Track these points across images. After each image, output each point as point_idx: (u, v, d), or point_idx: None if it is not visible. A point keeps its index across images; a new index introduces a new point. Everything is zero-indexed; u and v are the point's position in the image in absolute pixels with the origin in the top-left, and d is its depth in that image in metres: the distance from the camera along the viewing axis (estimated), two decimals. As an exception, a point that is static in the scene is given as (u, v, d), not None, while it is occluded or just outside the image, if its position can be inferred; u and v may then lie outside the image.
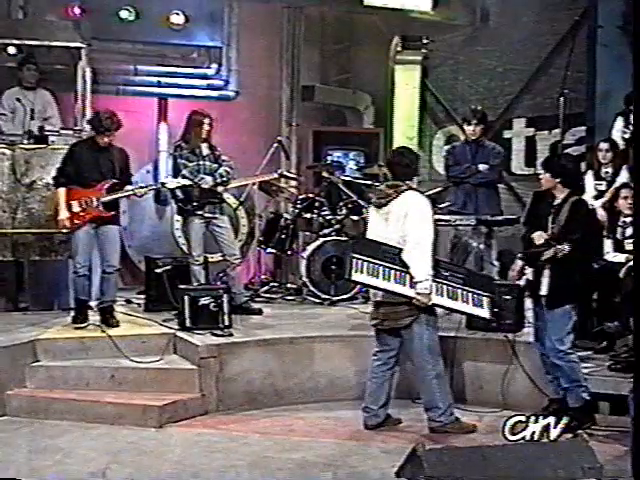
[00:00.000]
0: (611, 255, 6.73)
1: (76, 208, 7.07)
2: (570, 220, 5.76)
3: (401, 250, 5.75)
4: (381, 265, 5.81)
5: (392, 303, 5.82)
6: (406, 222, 5.74)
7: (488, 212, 7.70)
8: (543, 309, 5.89)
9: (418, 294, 5.69)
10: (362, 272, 5.83)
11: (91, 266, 7.27)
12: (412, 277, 5.70)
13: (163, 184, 7.59)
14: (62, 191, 7.12)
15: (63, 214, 7.08)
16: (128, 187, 7.29)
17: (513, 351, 6.40)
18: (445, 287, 5.83)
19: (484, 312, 5.94)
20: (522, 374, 6.37)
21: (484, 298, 5.93)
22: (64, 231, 7.16)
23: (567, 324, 5.82)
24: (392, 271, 5.79)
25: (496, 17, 10.28)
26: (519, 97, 9.98)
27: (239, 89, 10.31)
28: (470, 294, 5.89)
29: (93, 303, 7.67)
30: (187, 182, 7.54)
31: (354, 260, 5.84)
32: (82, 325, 7.12)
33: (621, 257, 6.59)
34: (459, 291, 5.87)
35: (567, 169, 5.97)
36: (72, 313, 7.25)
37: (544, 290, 5.84)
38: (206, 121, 7.72)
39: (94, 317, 7.37)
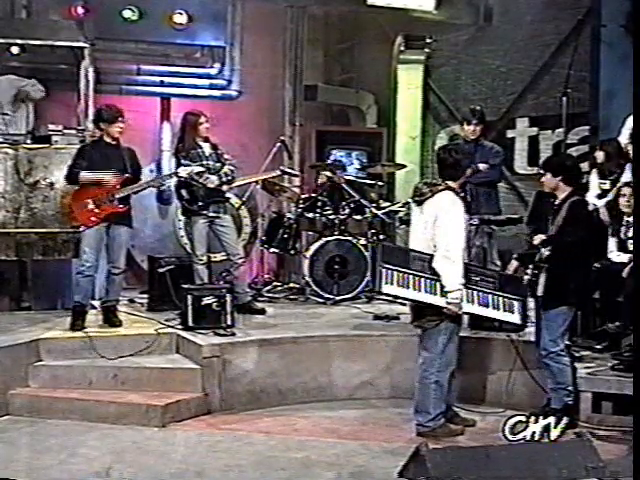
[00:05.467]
0: (615, 254, 6.73)
1: (91, 205, 7.07)
2: (567, 221, 5.74)
3: (431, 257, 5.64)
4: (411, 274, 5.68)
5: (417, 306, 5.81)
6: (435, 226, 5.63)
7: (487, 212, 7.69)
8: (540, 309, 5.90)
9: (449, 304, 5.61)
10: (392, 283, 5.70)
11: (97, 266, 7.25)
12: (443, 286, 5.61)
13: (176, 173, 7.57)
14: (84, 174, 7.09)
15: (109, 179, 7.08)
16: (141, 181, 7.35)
17: (516, 350, 6.39)
18: (476, 293, 5.73)
19: (515, 317, 5.84)
20: (525, 374, 6.36)
21: (515, 302, 5.82)
22: (80, 229, 7.14)
23: (561, 325, 5.81)
24: (422, 280, 5.67)
25: (499, 16, 10.27)
26: (522, 96, 9.97)
27: (242, 89, 10.30)
28: (501, 299, 5.79)
29: (96, 302, 7.68)
30: (200, 169, 7.53)
31: (383, 270, 5.69)
32: (79, 329, 7.06)
33: (624, 257, 6.59)
34: (490, 297, 5.77)
35: (567, 166, 5.97)
36: (70, 318, 7.17)
37: (540, 291, 5.85)
38: (202, 119, 7.71)
39: (97, 316, 7.39)
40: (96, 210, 7.07)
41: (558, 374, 5.84)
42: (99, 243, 7.14)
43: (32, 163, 7.78)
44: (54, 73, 8.82)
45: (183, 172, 7.50)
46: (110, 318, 7.28)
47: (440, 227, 5.60)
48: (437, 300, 5.65)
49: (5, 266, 8.02)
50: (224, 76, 10.22)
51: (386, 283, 5.69)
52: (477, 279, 5.76)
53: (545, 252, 5.65)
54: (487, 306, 5.79)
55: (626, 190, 6.62)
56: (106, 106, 7.32)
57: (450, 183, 5.77)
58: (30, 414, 6.28)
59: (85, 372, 6.58)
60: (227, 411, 6.47)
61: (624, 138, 7.40)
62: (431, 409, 5.77)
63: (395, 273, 5.68)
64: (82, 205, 7.08)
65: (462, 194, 5.86)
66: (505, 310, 5.83)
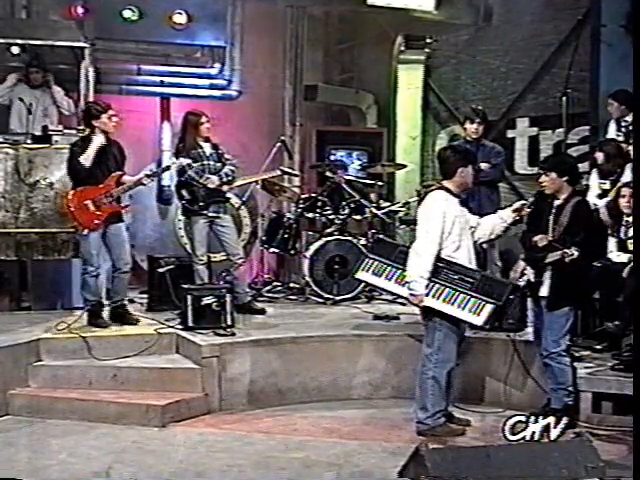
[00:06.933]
0: (615, 255, 6.72)
1: (92, 207, 7.06)
2: (573, 222, 5.74)
3: None
4: (390, 265, 6.19)
5: None
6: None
7: (490, 211, 7.68)
8: (542, 310, 5.89)
9: (410, 294, 5.74)
10: (367, 271, 6.34)
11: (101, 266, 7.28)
12: None
13: (168, 167, 7.55)
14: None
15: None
16: (126, 178, 7.29)
17: (515, 350, 6.39)
18: (446, 290, 5.74)
19: (478, 319, 5.74)
20: (524, 373, 6.36)
21: (487, 305, 5.73)
22: (84, 232, 7.10)
23: (565, 326, 5.82)
24: (398, 271, 6.10)
25: (499, 16, 10.28)
26: (522, 96, 9.97)
27: (242, 89, 10.31)
28: (472, 299, 5.74)
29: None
30: (189, 161, 7.51)
31: (366, 259, 6.36)
32: (105, 326, 7.14)
33: (624, 257, 6.58)
34: (460, 296, 5.75)
35: (572, 167, 5.97)
36: (86, 316, 7.19)
37: (544, 291, 5.83)
38: (203, 119, 7.71)
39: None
40: (97, 212, 7.06)
41: (559, 374, 5.84)
42: (101, 244, 7.16)
43: (32, 163, 7.79)
44: (54, 73, 8.82)
45: (174, 166, 7.52)
46: (125, 316, 7.31)
47: (419, 223, 5.77)
48: (402, 290, 6.01)
49: (5, 266, 8.02)
50: (224, 76, 10.22)
51: (362, 270, 6.42)
52: (455, 277, 5.76)
53: (575, 253, 5.57)
54: (452, 304, 5.76)
55: (626, 191, 6.62)
56: (93, 103, 7.34)
57: (445, 183, 5.82)
58: (30, 414, 6.28)
59: (85, 372, 6.58)
60: (227, 411, 6.47)
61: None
62: (429, 406, 5.78)
63: (375, 263, 6.32)
64: (83, 208, 7.05)
65: (458, 194, 5.86)
66: (470, 311, 5.75)
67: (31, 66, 8.61)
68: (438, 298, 5.75)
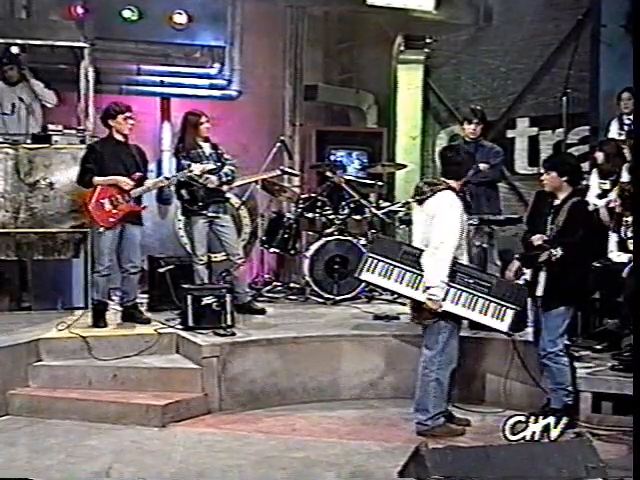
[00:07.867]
0: (615, 254, 6.73)
1: (108, 206, 7.08)
2: (568, 222, 5.75)
3: (422, 252, 5.69)
4: (397, 267, 5.82)
5: (417, 301, 5.81)
6: (431, 224, 5.65)
7: (488, 211, 7.70)
8: (539, 309, 5.90)
9: (428, 299, 5.64)
10: (373, 272, 5.91)
11: (112, 266, 7.27)
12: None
13: (190, 171, 7.54)
14: (98, 179, 7.10)
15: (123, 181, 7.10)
16: (148, 181, 7.38)
17: (515, 350, 6.39)
18: (464, 295, 5.69)
19: (502, 325, 5.73)
20: (524, 373, 6.36)
21: (508, 310, 5.72)
22: (100, 229, 7.10)
23: (561, 326, 5.81)
24: (407, 274, 5.78)
25: (499, 16, 10.29)
26: (522, 96, 9.98)
27: (242, 89, 10.31)
28: (493, 304, 5.72)
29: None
30: (212, 166, 7.53)
31: (369, 259, 5.93)
32: (104, 328, 7.15)
33: (624, 257, 6.58)
34: (480, 300, 5.71)
35: (573, 167, 5.98)
36: (90, 315, 7.24)
37: (540, 291, 5.85)
38: (203, 119, 7.72)
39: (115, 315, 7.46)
40: (114, 211, 7.08)
41: (557, 374, 5.85)
42: (115, 244, 7.17)
43: (32, 163, 7.79)
44: (54, 73, 8.82)
45: (197, 170, 7.47)
46: (136, 316, 7.33)
47: (435, 225, 5.63)
48: (417, 295, 5.74)
49: (5, 266, 8.02)
50: (224, 76, 10.22)
51: (367, 271, 5.93)
52: (470, 281, 5.72)
53: (558, 252, 5.59)
54: (473, 309, 5.73)
55: (616, 190, 6.63)
56: (113, 103, 7.35)
57: (451, 182, 5.78)
58: (30, 414, 6.28)
59: (85, 372, 6.58)
60: (227, 411, 6.47)
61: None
62: (430, 407, 5.78)
63: (380, 263, 5.89)
64: (99, 206, 7.07)
65: (463, 194, 5.86)
66: (493, 316, 5.74)
67: (3, 64, 8.48)
68: (457, 303, 5.69)
